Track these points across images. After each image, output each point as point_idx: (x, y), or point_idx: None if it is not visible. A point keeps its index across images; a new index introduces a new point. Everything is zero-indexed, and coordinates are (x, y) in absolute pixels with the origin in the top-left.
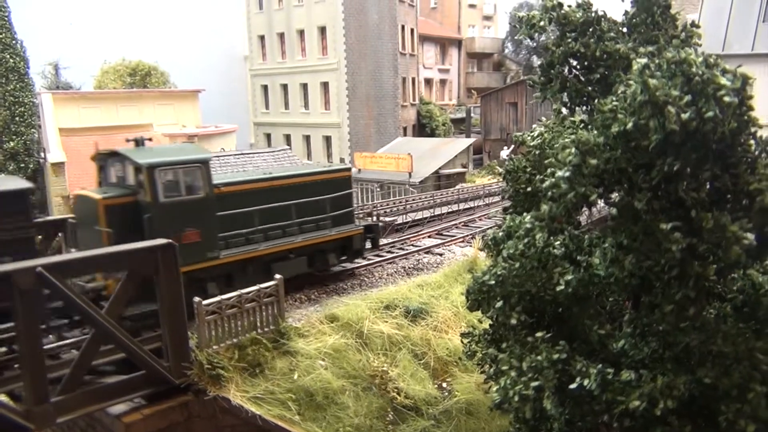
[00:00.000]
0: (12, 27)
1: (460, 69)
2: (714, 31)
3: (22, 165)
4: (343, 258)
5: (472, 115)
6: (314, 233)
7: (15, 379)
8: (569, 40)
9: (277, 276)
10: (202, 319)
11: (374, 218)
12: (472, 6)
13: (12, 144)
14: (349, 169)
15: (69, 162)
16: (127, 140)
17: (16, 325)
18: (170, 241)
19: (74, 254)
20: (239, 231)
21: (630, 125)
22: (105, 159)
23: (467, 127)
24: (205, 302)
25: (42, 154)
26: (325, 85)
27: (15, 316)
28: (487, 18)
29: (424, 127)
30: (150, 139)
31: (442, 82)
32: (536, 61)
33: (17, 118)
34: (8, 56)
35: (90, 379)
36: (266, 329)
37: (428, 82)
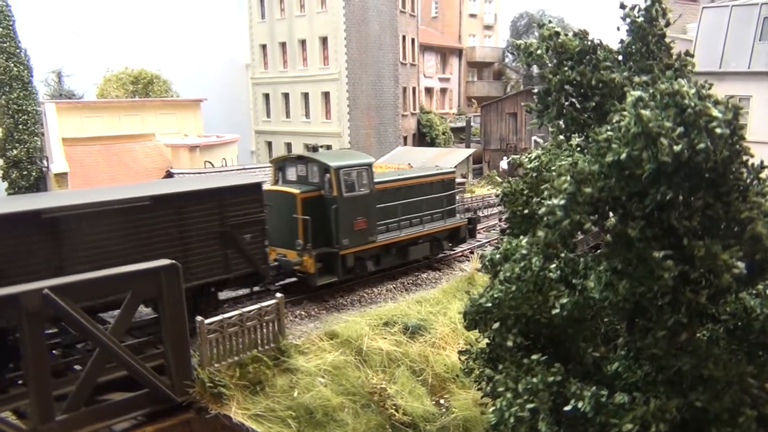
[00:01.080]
0: (16, 35)
1: (460, 78)
2: (711, 49)
3: (25, 173)
4: (450, 244)
5: (472, 124)
6: (435, 223)
7: (20, 396)
8: (566, 68)
9: (278, 295)
10: (204, 337)
11: (473, 213)
12: (472, 15)
13: (15, 152)
14: (453, 172)
15: (72, 172)
16: (307, 147)
17: (23, 346)
18: (173, 261)
19: (79, 276)
20: (387, 220)
21: (624, 155)
22: (284, 162)
23: (467, 137)
24: (207, 321)
25: (45, 163)
26: (326, 95)
27: (21, 337)
28: (488, 27)
29: (424, 137)
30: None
31: (443, 91)
32: (536, 71)
33: (20, 127)
34: (12, 65)
35: (94, 396)
36: (267, 347)
37: (429, 91)
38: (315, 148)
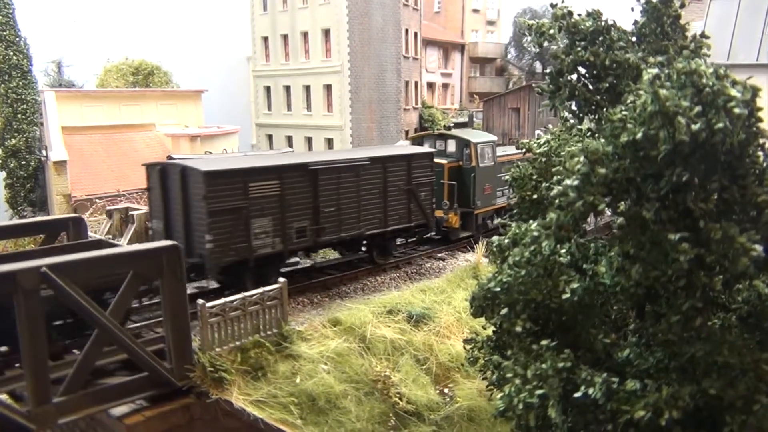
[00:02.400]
0: (16, 24)
1: (462, 73)
2: (719, 41)
3: (23, 162)
4: None
5: (474, 119)
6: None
7: (17, 378)
8: (579, 48)
9: (281, 279)
10: (205, 321)
11: None
12: (475, 11)
13: (14, 141)
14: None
15: (71, 160)
16: (446, 126)
17: (19, 325)
18: (175, 243)
19: (78, 255)
20: (500, 188)
21: (639, 135)
22: (422, 138)
23: None
24: (208, 304)
25: (43, 152)
26: (328, 88)
27: (18, 316)
28: (491, 23)
29: (425, 131)
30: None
31: (445, 86)
32: (539, 67)
33: (19, 116)
34: (11, 53)
35: (92, 379)
36: (269, 332)
37: (431, 86)
38: (448, 128)
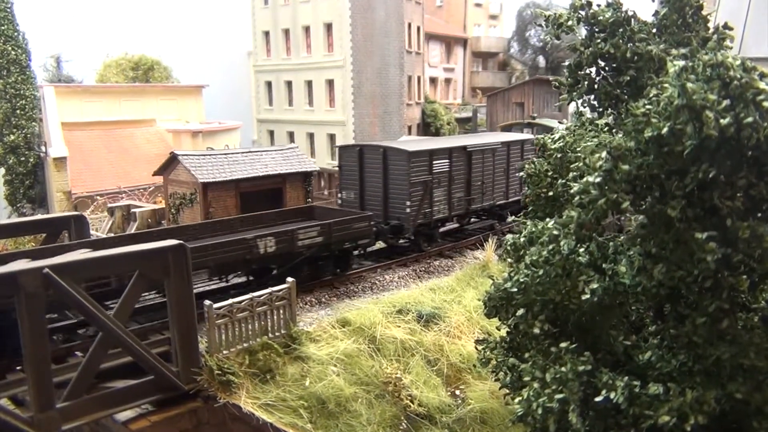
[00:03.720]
0: (14, 18)
1: (465, 68)
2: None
3: (22, 159)
4: None
5: (478, 114)
6: None
7: (18, 383)
8: (598, 40)
9: (289, 279)
10: (212, 322)
11: None
12: (478, 5)
13: (12, 137)
14: None
15: (71, 156)
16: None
17: (21, 328)
18: (181, 242)
19: (82, 255)
20: None
21: (665, 130)
22: (510, 127)
23: (473, 127)
24: (215, 305)
25: (42, 148)
26: (330, 83)
27: (20, 319)
28: (493, 17)
29: (428, 126)
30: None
31: (447, 81)
32: (542, 62)
33: (18, 111)
34: (10, 48)
35: (97, 383)
36: (277, 334)
37: (433, 80)
38: (534, 117)
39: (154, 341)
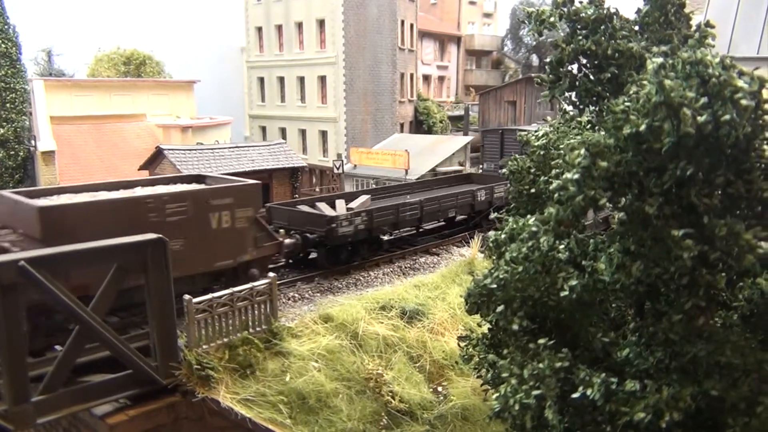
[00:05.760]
0: (5, 11)
1: (458, 66)
2: (720, 33)
3: (12, 152)
4: None
5: (470, 112)
6: None
7: None
8: (580, 37)
9: (271, 274)
10: (191, 317)
11: None
12: (472, 3)
13: (2, 131)
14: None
15: (59, 151)
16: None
17: None
18: (160, 236)
19: (58, 248)
20: None
21: (643, 127)
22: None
23: (465, 125)
24: (195, 300)
25: (33, 142)
26: (322, 79)
27: None
28: (487, 15)
29: (421, 124)
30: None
31: (441, 78)
32: (535, 60)
33: (8, 105)
34: (0, 41)
35: (74, 377)
36: (258, 329)
37: (426, 78)
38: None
39: (133, 335)
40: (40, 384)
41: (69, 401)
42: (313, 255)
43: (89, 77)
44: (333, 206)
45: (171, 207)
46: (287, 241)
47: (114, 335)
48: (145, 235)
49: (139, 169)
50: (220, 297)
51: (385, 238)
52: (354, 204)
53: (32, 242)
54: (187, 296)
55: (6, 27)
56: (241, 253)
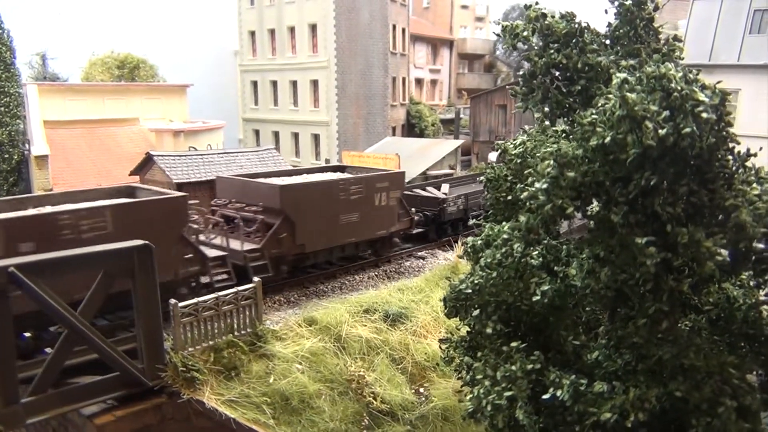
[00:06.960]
0: None
1: (451, 70)
2: (701, 41)
3: (6, 156)
4: None
5: (461, 116)
6: None
7: None
8: (552, 51)
9: (256, 279)
10: (177, 321)
11: None
12: (464, 7)
13: None
14: None
15: (53, 155)
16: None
17: None
18: (146, 242)
19: (47, 254)
20: None
21: (608, 139)
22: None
23: (456, 129)
24: (181, 304)
25: (27, 146)
26: (314, 83)
27: None
28: (479, 19)
29: (413, 128)
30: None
31: (433, 82)
32: (527, 65)
33: (2, 109)
34: None
35: (62, 379)
36: (243, 332)
37: (419, 82)
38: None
39: (121, 338)
40: (30, 386)
41: (58, 402)
42: (417, 231)
43: (83, 81)
44: (439, 189)
45: (354, 188)
46: (415, 217)
47: (101, 338)
48: (131, 242)
49: (129, 174)
50: (206, 301)
51: (471, 222)
52: (444, 190)
53: (272, 213)
54: (173, 300)
55: (0, 31)
56: (391, 225)
